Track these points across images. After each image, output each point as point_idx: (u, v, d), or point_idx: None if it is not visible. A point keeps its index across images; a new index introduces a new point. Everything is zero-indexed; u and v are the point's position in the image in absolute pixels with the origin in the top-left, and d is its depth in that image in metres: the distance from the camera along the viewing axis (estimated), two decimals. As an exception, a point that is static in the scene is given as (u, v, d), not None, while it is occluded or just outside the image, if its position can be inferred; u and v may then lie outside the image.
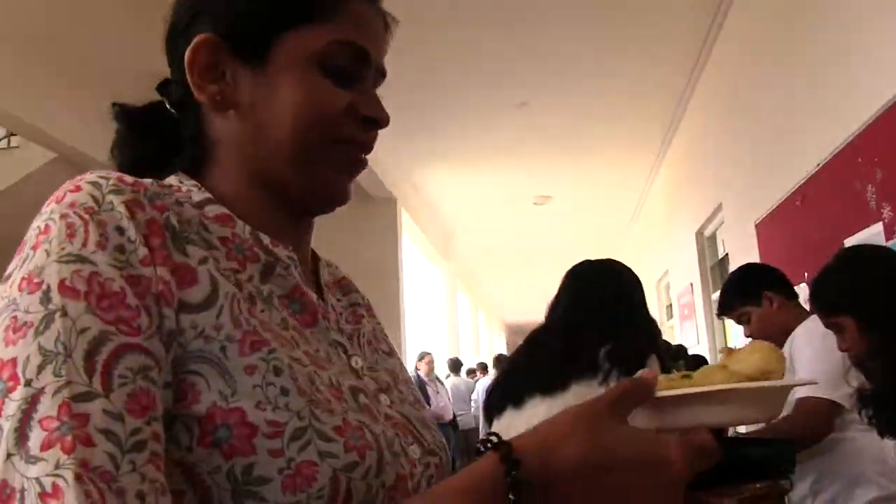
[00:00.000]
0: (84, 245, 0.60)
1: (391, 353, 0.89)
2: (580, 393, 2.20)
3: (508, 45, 5.87)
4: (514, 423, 2.23)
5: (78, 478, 0.51)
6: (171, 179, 0.76)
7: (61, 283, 0.58)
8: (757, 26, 4.84)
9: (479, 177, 9.52)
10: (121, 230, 0.62)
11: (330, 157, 0.76)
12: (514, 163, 8.92)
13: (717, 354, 6.69)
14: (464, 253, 13.45)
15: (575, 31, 5.70)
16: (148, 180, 0.70)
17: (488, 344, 20.27)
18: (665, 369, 2.37)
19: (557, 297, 2.49)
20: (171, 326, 0.61)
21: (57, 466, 0.51)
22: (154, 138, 0.81)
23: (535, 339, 2.46)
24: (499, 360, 10.95)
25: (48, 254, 0.60)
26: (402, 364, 0.90)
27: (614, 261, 2.54)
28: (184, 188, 0.75)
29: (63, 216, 0.62)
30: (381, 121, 0.79)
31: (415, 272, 10.65)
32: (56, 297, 0.58)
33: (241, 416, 0.60)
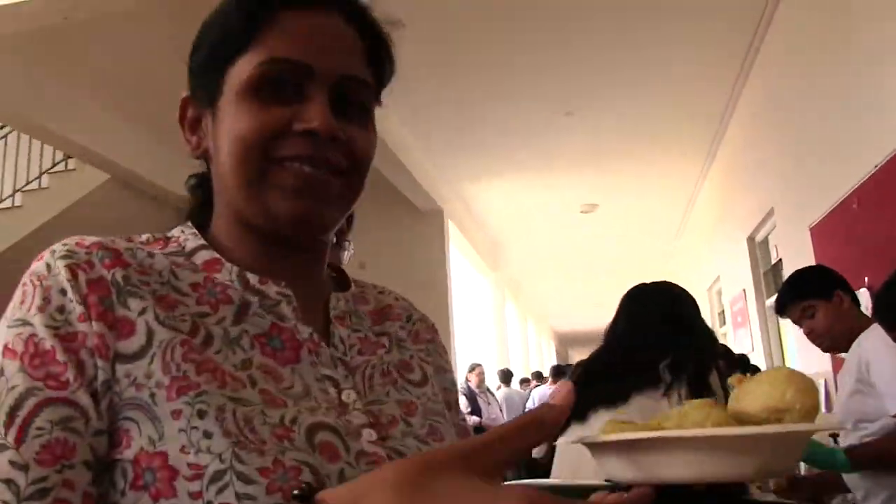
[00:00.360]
0: (28, 309, 0.67)
1: (422, 383, 0.85)
2: (643, 404, 2.24)
3: (554, 54, 5.86)
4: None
5: None
6: (176, 230, 0.82)
7: (5, 346, 0.66)
8: (806, 24, 4.77)
9: (525, 186, 9.50)
10: (63, 291, 0.68)
11: (274, 180, 0.75)
12: (561, 172, 8.88)
13: (772, 362, 6.57)
14: (511, 262, 13.41)
15: (620, 38, 5.68)
16: (143, 236, 0.79)
17: (538, 353, 20.16)
18: (724, 384, 2.37)
19: (615, 320, 2.52)
20: (106, 377, 0.66)
21: None
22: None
23: (594, 359, 2.50)
24: (556, 370, 10.86)
25: (5, 320, 0.68)
26: (433, 393, 0.85)
27: (669, 282, 2.58)
28: (182, 237, 0.80)
29: (23, 284, 0.70)
30: (316, 131, 0.74)
31: (463, 283, 10.64)
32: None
33: (164, 460, 0.63)
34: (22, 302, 0.68)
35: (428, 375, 0.87)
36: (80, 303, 0.68)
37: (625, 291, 2.59)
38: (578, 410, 2.33)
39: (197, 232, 0.81)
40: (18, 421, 0.62)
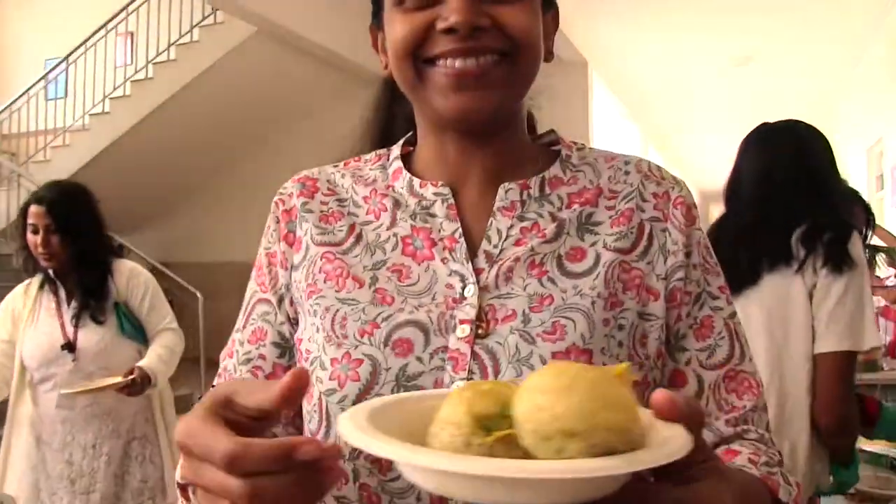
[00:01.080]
0: (263, 234, 0.92)
1: (585, 274, 0.81)
2: (775, 285, 2.01)
3: None
4: None
5: (218, 375, 0.92)
6: (396, 144, 0.94)
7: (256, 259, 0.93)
8: None
9: (674, 36, 9.00)
10: (272, 220, 0.91)
11: (431, 79, 0.80)
12: (712, 21, 8.31)
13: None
14: (657, 115, 12.97)
15: None
16: (371, 154, 0.95)
17: (680, 209, 19.67)
18: (869, 249, 2.08)
19: (735, 170, 2.22)
20: (286, 281, 0.88)
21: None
22: None
23: (719, 228, 2.19)
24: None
25: None
26: (590, 287, 0.80)
27: (796, 121, 2.23)
28: (391, 150, 0.94)
29: None
30: (453, 27, 0.76)
31: (606, 137, 10.40)
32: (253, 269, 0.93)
33: (299, 344, 0.86)
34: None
35: (599, 265, 0.82)
36: (275, 229, 0.91)
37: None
38: None
39: (401, 145, 0.93)
40: (246, 312, 0.91)
